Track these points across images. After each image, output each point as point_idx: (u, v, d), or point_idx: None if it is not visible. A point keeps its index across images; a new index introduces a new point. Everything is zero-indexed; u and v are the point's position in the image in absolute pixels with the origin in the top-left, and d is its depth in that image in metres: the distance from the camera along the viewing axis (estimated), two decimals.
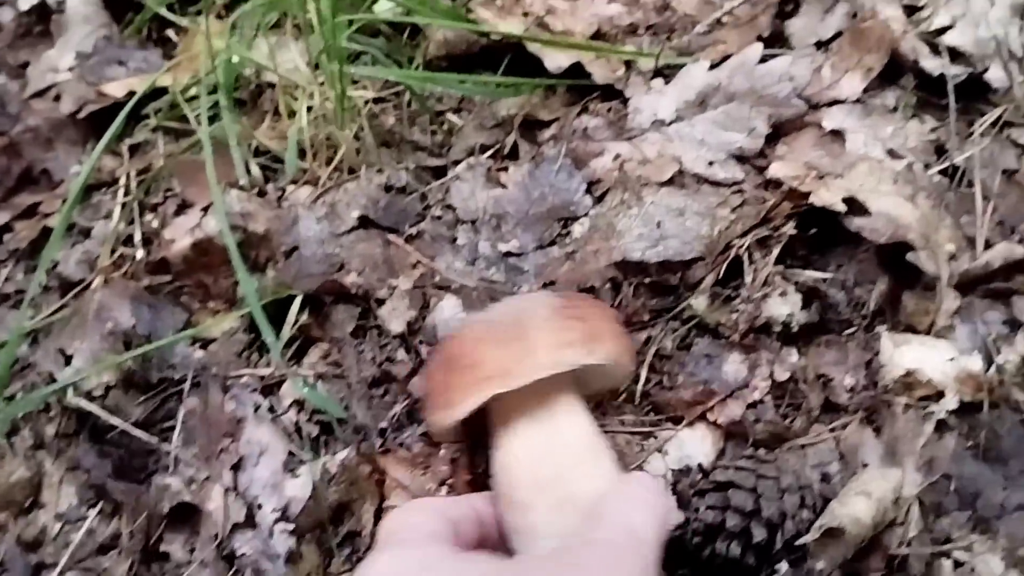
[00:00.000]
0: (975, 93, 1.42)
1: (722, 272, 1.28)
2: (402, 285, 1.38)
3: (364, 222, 1.46)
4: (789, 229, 1.28)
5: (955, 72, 1.39)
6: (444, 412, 0.93)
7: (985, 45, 1.40)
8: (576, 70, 1.55)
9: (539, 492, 0.88)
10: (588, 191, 1.44)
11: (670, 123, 1.47)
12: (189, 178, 1.55)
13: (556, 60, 1.56)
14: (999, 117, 1.38)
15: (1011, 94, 1.39)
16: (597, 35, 1.67)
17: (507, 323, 0.93)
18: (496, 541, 0.92)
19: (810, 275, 1.29)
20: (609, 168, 1.45)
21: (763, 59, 1.48)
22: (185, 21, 1.81)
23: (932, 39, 1.43)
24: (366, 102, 1.58)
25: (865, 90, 1.43)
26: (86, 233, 1.53)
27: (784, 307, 1.25)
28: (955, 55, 1.41)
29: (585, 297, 1.20)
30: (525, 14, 1.69)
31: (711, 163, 1.41)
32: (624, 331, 1.02)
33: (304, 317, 1.36)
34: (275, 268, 1.42)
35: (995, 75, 1.40)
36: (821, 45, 1.54)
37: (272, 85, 1.63)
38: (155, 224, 1.53)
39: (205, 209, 1.46)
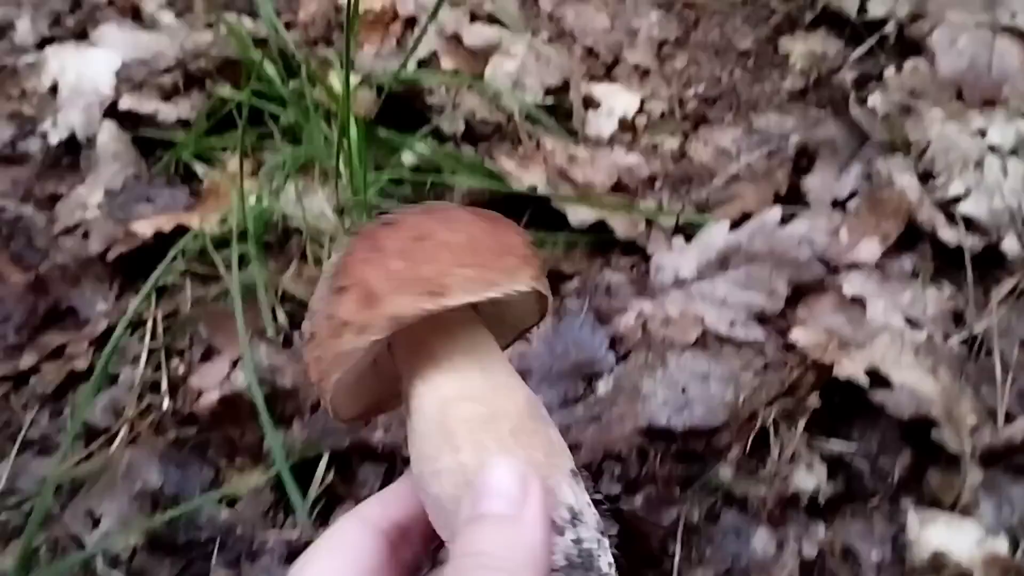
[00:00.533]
0: (991, 262, 1.45)
1: (749, 442, 1.29)
2: None
3: None
4: (814, 401, 1.30)
5: (972, 243, 1.42)
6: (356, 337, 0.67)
7: (1000, 215, 1.44)
8: (599, 225, 1.59)
9: (446, 443, 0.70)
10: (612, 347, 1.46)
11: (692, 282, 1.50)
12: (216, 325, 1.56)
13: (579, 215, 1.59)
14: (1015, 286, 1.42)
15: None
16: (617, 186, 1.71)
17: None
18: None
19: (835, 445, 1.31)
20: (632, 326, 1.47)
21: (782, 218, 1.51)
22: (210, 169, 1.84)
23: (948, 207, 1.46)
24: None
25: (883, 255, 1.46)
26: (113, 379, 1.54)
27: (811, 480, 1.26)
28: (970, 224, 1.45)
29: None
30: (546, 160, 1.74)
31: (733, 323, 1.44)
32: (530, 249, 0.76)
33: (331, 476, 1.37)
34: (302, 422, 1.43)
35: (1010, 245, 1.43)
36: (837, 204, 1.58)
37: (299, 231, 1.66)
38: (181, 370, 1.54)
39: (234, 362, 1.47)
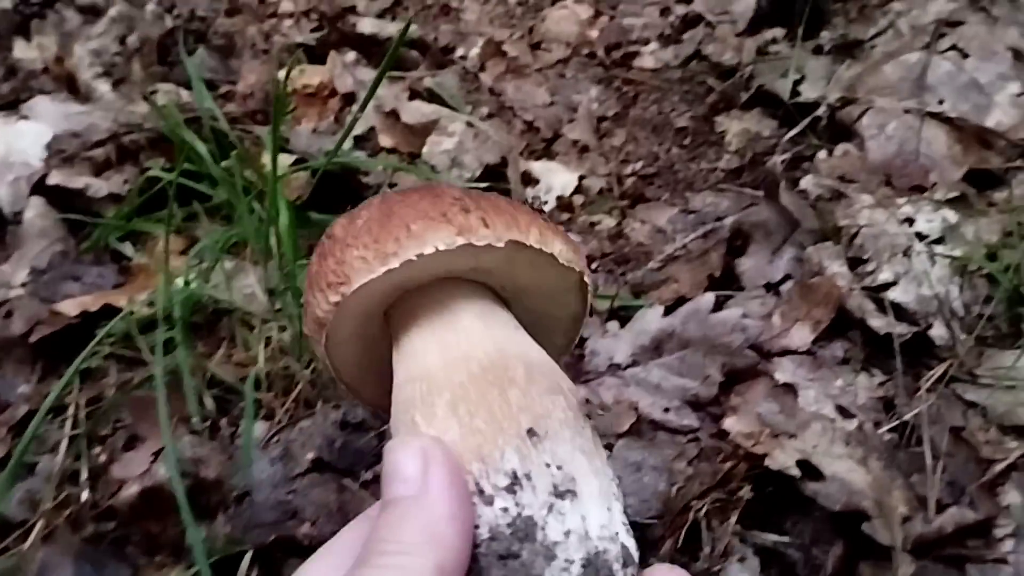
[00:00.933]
0: (921, 349, 1.46)
1: (682, 535, 1.28)
2: None
3: (319, 464, 1.44)
4: (746, 493, 1.29)
5: (900, 331, 1.44)
6: (338, 288, 0.73)
7: (928, 303, 1.46)
8: None
9: (394, 426, 0.74)
10: None
11: (626, 367, 1.49)
12: (141, 412, 1.52)
13: None
14: (944, 373, 1.42)
15: (955, 350, 1.44)
16: None
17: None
18: None
19: (768, 537, 1.30)
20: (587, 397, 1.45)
21: (716, 302, 1.52)
22: (140, 247, 1.80)
23: (877, 294, 1.48)
24: None
25: (814, 341, 1.47)
26: (31, 468, 1.49)
27: (744, 574, 1.24)
28: (899, 311, 1.46)
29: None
30: None
31: (667, 409, 1.43)
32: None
33: (255, 573, 1.32)
34: (226, 515, 1.39)
35: (938, 332, 1.45)
36: (771, 288, 1.59)
37: (229, 312, 1.63)
38: (103, 459, 1.49)
39: (156, 454, 1.43)
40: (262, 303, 1.57)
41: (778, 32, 2.19)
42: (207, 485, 1.41)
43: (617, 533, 0.65)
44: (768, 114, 2.02)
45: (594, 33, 2.46)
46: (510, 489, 0.64)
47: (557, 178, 1.97)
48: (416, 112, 1.96)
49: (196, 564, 1.27)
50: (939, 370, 1.43)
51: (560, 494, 0.64)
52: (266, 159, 1.69)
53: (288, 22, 2.62)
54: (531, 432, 0.67)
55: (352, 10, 2.71)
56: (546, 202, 1.93)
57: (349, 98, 2.00)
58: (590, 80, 2.34)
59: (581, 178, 1.99)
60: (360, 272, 0.71)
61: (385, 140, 1.93)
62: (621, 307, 1.57)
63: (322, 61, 2.10)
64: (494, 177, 1.89)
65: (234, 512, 1.39)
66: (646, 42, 2.40)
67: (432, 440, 0.66)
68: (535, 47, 2.46)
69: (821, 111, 1.86)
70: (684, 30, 2.38)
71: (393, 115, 1.96)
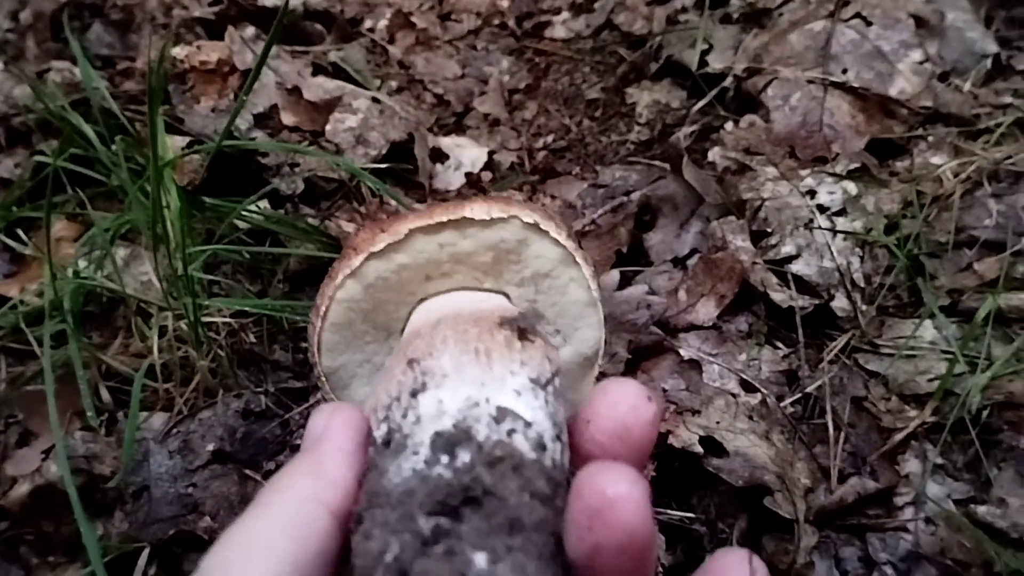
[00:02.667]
0: (823, 321, 1.47)
1: None
2: None
3: (220, 456, 1.40)
4: (651, 471, 1.29)
5: (802, 304, 1.44)
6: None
7: (829, 275, 1.46)
8: None
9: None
10: None
11: None
12: (33, 407, 1.46)
13: None
14: (846, 344, 1.43)
15: (856, 321, 1.45)
16: None
17: None
18: None
19: (674, 514, 1.30)
20: None
21: (623, 279, 1.51)
22: (34, 234, 1.73)
23: (779, 267, 1.48)
24: (225, 322, 1.54)
25: (719, 316, 1.46)
26: None
27: None
28: (801, 284, 1.47)
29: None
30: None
31: None
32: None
33: (153, 570, 1.28)
34: (123, 511, 1.35)
35: (840, 304, 1.45)
36: (678, 262, 1.58)
37: (125, 300, 1.57)
38: None
39: (47, 451, 1.38)
40: (158, 291, 1.52)
41: (688, 0, 2.17)
42: (104, 481, 1.36)
43: (489, 398, 0.61)
44: (678, 85, 2.00)
45: (505, 3, 2.42)
46: (384, 419, 0.63)
47: (466, 153, 1.94)
48: (319, 88, 1.90)
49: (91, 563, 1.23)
50: (841, 341, 1.44)
51: (416, 393, 0.63)
52: (161, 142, 1.64)
53: None
54: (412, 361, 0.66)
55: None
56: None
57: (249, 75, 1.93)
58: (501, 51, 2.30)
59: (491, 153, 1.96)
60: (312, 335, 0.77)
61: (287, 118, 1.87)
62: None
63: (221, 36, 2.03)
64: (401, 154, 1.85)
65: (131, 508, 1.35)
66: (557, 11, 2.37)
67: (340, 402, 0.68)
68: (445, 18, 2.41)
69: (728, 82, 1.85)
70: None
71: (296, 92, 1.90)
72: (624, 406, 0.62)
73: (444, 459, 0.57)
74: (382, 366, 0.82)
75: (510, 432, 0.59)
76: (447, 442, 0.58)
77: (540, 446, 0.59)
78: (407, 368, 0.66)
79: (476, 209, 0.73)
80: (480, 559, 0.51)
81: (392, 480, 0.57)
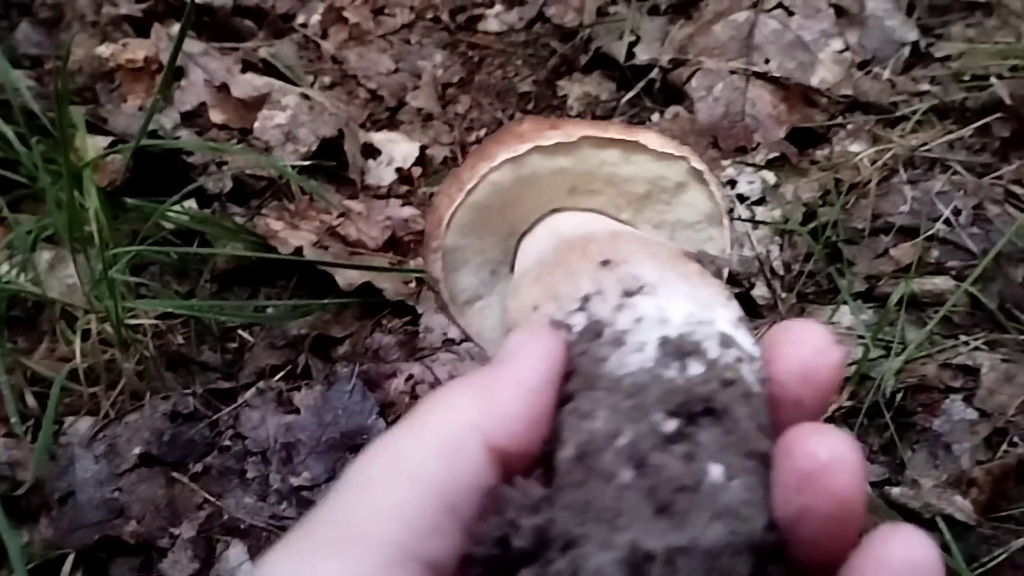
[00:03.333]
0: (744, 309, 1.49)
1: None
2: (185, 532, 1.32)
3: (146, 459, 1.40)
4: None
5: None
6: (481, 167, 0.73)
7: (750, 264, 1.49)
8: (369, 286, 1.55)
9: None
10: (381, 414, 1.43)
11: (460, 342, 1.48)
12: None
13: (347, 277, 1.55)
14: (767, 331, 1.46)
15: (777, 309, 1.47)
16: (391, 241, 1.68)
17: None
18: None
19: None
20: (402, 390, 1.44)
21: None
22: None
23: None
24: (153, 323, 1.53)
25: None
26: None
27: None
28: None
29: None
30: (319, 218, 1.70)
31: None
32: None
33: None
34: (48, 517, 1.34)
35: (760, 292, 1.48)
36: None
37: (51, 304, 1.56)
38: None
39: None
40: (82, 294, 1.51)
41: None
42: (29, 488, 1.35)
43: (713, 321, 0.57)
44: (607, 77, 2.01)
45: None
46: (581, 308, 0.59)
47: (398, 149, 1.94)
48: (247, 85, 1.89)
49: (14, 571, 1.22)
50: (762, 329, 1.46)
51: (631, 293, 0.59)
52: (82, 143, 1.62)
53: None
54: (606, 262, 0.63)
55: None
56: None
57: (178, 73, 1.92)
58: (435, 45, 2.30)
59: (423, 148, 1.96)
60: (446, 208, 0.75)
61: (216, 116, 1.86)
62: None
63: (149, 34, 2.01)
64: (332, 150, 1.85)
65: (56, 514, 1.34)
66: (491, 4, 2.37)
67: (542, 326, 0.61)
68: (379, 12, 2.40)
69: (655, 73, 1.86)
70: None
71: (224, 89, 1.89)
72: (810, 347, 0.56)
73: (675, 365, 0.54)
74: (494, 261, 0.83)
75: (738, 359, 0.56)
76: (677, 349, 0.55)
77: (762, 382, 0.56)
78: (602, 267, 0.62)
79: (651, 138, 0.73)
80: (716, 471, 0.49)
81: (615, 370, 0.54)
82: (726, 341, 0.56)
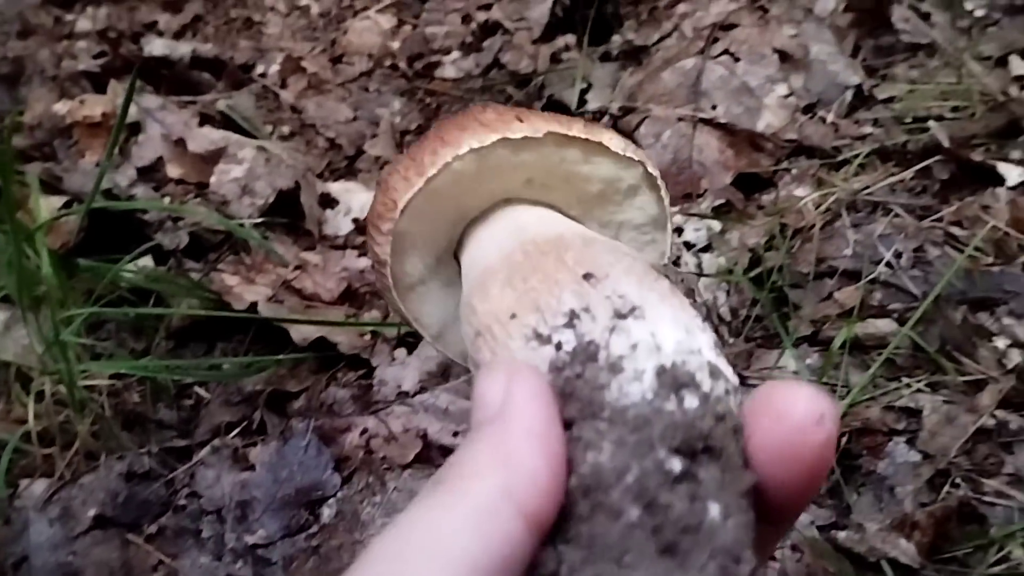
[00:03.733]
0: None
1: None
2: None
3: (101, 521, 1.40)
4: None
5: None
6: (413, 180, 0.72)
7: (698, 310, 1.51)
8: (324, 340, 1.57)
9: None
10: (336, 469, 1.44)
11: (414, 394, 1.50)
12: None
13: (302, 332, 1.57)
14: None
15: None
16: (347, 292, 1.70)
17: None
18: None
19: None
20: (356, 444, 1.45)
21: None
22: None
23: None
24: (108, 383, 1.54)
25: None
26: None
27: None
28: None
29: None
30: (277, 274, 1.71)
31: (455, 433, 1.44)
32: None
33: None
34: None
35: None
36: None
37: (6, 365, 1.56)
38: None
39: None
40: (36, 356, 1.51)
41: (571, 39, 2.22)
42: None
43: (700, 349, 0.58)
44: None
45: (396, 44, 2.45)
46: (568, 324, 0.59)
47: (356, 198, 1.95)
48: (204, 139, 1.91)
49: None
50: None
51: (623, 315, 0.59)
52: (35, 203, 1.63)
53: (83, 43, 2.52)
54: (588, 276, 0.63)
55: (153, 26, 2.63)
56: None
57: (134, 128, 1.94)
58: (393, 92, 2.33)
59: None
60: (402, 192, 0.73)
61: (173, 171, 1.88)
62: (408, 333, 1.57)
63: (107, 90, 2.03)
64: (289, 202, 1.87)
65: None
66: (448, 51, 2.41)
67: (518, 363, 0.59)
68: (337, 61, 2.43)
69: (605, 120, 1.89)
70: (484, 38, 2.39)
71: (181, 143, 1.91)
72: (792, 424, 0.53)
73: (673, 397, 0.54)
74: (440, 248, 0.82)
75: (726, 391, 0.56)
76: (674, 380, 0.55)
77: (741, 415, 0.57)
78: (585, 281, 0.62)
79: (614, 140, 0.74)
80: (715, 510, 0.50)
81: (618, 399, 0.54)
82: (714, 372, 0.56)
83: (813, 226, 1.60)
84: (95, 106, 1.96)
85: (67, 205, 1.67)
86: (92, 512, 1.40)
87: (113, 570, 1.35)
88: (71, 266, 1.53)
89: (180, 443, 1.52)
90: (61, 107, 1.96)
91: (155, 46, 2.27)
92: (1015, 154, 1.70)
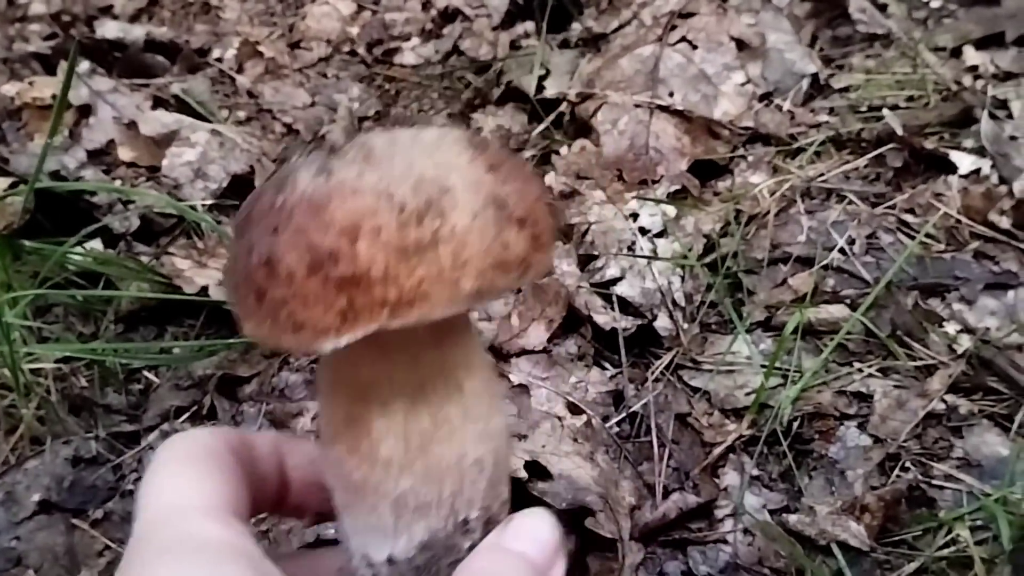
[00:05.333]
0: (648, 340, 1.51)
1: None
2: None
3: (45, 506, 1.37)
4: None
5: (625, 325, 1.48)
6: (308, 338, 0.53)
7: (652, 295, 1.51)
8: None
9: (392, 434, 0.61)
10: None
11: None
12: None
13: None
14: (671, 362, 1.48)
15: (679, 339, 1.50)
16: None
17: (416, 204, 0.53)
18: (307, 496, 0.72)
19: None
20: (308, 429, 1.44)
21: None
22: None
23: (606, 290, 1.52)
24: (55, 367, 1.51)
25: (549, 339, 1.50)
26: None
27: None
28: (626, 305, 1.51)
29: (510, 158, 0.62)
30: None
31: None
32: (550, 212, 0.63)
33: None
34: None
35: (662, 323, 1.50)
36: None
37: None
38: None
39: None
40: None
41: (530, 26, 2.21)
42: None
43: None
44: (520, 110, 2.04)
45: (355, 30, 2.42)
46: None
47: None
48: (156, 122, 1.88)
49: None
50: (665, 360, 1.49)
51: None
52: None
53: (36, 26, 2.47)
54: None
55: (108, 10, 2.58)
56: None
57: (85, 111, 1.90)
58: (352, 79, 2.31)
59: None
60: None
61: (124, 154, 1.85)
62: None
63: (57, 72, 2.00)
64: (244, 186, 1.84)
65: None
66: (407, 38, 2.39)
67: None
68: (295, 46, 2.40)
69: (563, 107, 1.89)
70: (444, 24, 2.38)
71: (133, 126, 1.88)
72: None
73: None
74: None
75: None
76: None
77: None
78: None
79: None
80: None
81: None
82: None
83: (768, 212, 1.61)
84: (44, 88, 1.93)
85: (13, 187, 1.63)
86: (37, 497, 1.37)
87: (58, 555, 1.33)
88: (16, 247, 1.50)
89: (128, 428, 1.49)
90: (10, 88, 1.93)
91: (108, 28, 2.23)
92: (967, 143, 1.72)
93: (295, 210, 0.52)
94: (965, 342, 1.45)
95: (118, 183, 1.79)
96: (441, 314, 0.54)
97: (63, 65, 1.96)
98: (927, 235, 1.55)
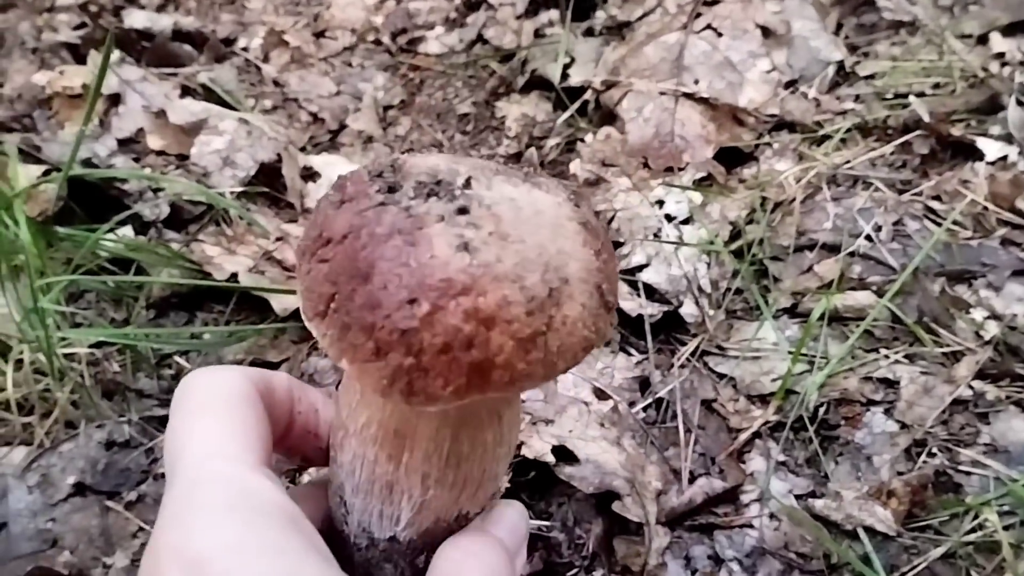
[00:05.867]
0: (674, 326, 1.52)
1: None
2: (119, 562, 1.32)
3: (80, 488, 1.40)
4: (506, 482, 1.32)
5: (651, 311, 1.49)
6: (419, 401, 0.56)
7: (678, 282, 1.52)
8: None
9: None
10: None
11: None
12: None
13: (283, 302, 1.56)
14: (697, 348, 1.49)
15: (705, 326, 1.50)
16: None
17: (543, 295, 0.56)
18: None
19: (532, 523, 1.33)
20: None
21: None
22: None
23: (632, 276, 1.53)
24: (88, 352, 1.53)
25: None
26: None
27: None
28: (652, 291, 1.52)
29: (603, 231, 0.66)
30: (258, 245, 1.71)
31: None
32: None
33: None
34: None
35: (688, 310, 1.51)
36: None
37: None
38: None
39: None
40: (15, 324, 1.50)
41: (554, 14, 2.22)
42: None
43: None
44: (544, 98, 2.05)
45: (380, 19, 2.43)
46: None
47: (338, 171, 1.93)
48: (185, 111, 1.90)
49: None
50: (691, 346, 1.49)
51: None
52: (13, 172, 1.62)
53: (64, 16, 2.50)
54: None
55: (135, 0, 2.61)
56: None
57: (115, 99, 1.92)
58: (376, 67, 2.32)
59: None
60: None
61: (154, 142, 1.87)
62: None
63: (87, 61, 2.01)
64: (271, 174, 1.86)
65: None
66: (431, 27, 2.40)
67: None
68: (320, 35, 2.41)
69: (588, 95, 1.90)
70: (468, 13, 2.38)
71: (162, 115, 1.90)
72: None
73: None
74: None
75: None
76: None
77: None
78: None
79: None
80: None
81: None
82: None
83: (794, 200, 1.61)
84: (74, 77, 1.95)
85: (46, 175, 1.65)
86: (71, 479, 1.40)
87: (92, 537, 1.35)
88: (50, 234, 1.52)
89: (160, 412, 1.51)
90: (41, 78, 1.95)
91: (136, 18, 2.26)
92: (994, 130, 1.72)
93: (436, 286, 0.54)
94: (992, 328, 1.45)
95: (148, 171, 1.81)
96: (532, 388, 0.60)
97: (93, 54, 1.98)
98: (954, 222, 1.55)
